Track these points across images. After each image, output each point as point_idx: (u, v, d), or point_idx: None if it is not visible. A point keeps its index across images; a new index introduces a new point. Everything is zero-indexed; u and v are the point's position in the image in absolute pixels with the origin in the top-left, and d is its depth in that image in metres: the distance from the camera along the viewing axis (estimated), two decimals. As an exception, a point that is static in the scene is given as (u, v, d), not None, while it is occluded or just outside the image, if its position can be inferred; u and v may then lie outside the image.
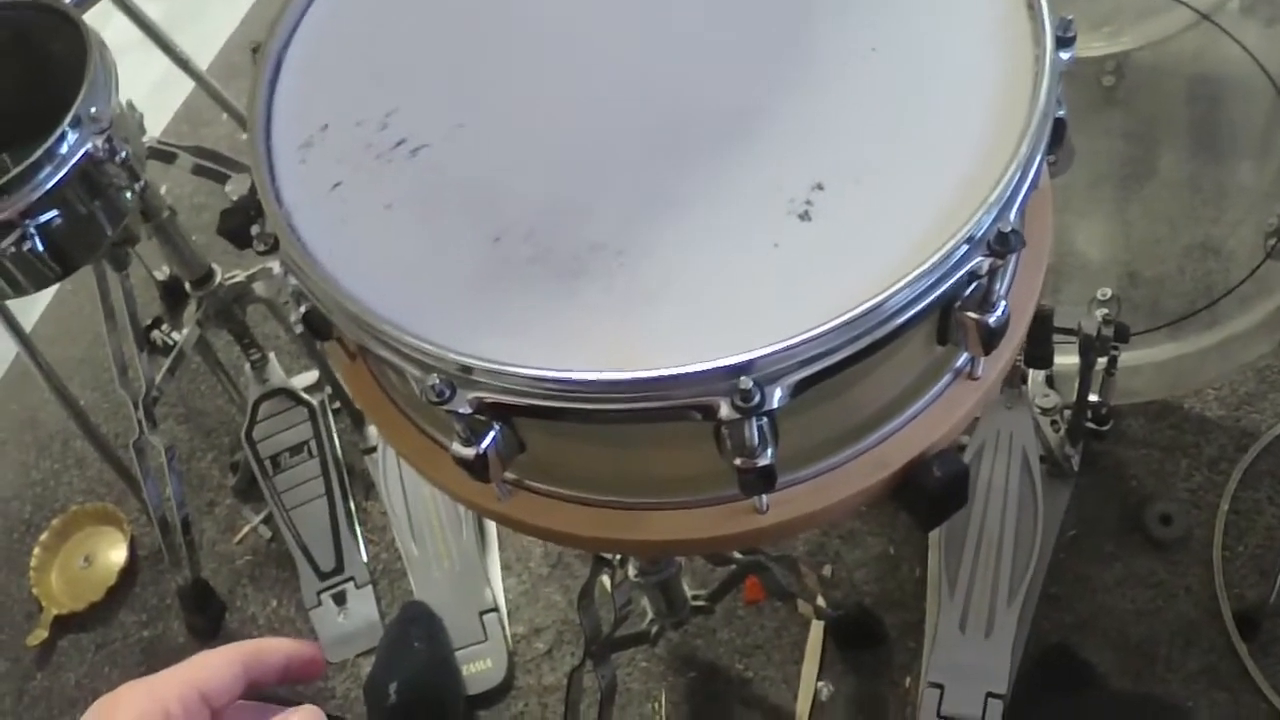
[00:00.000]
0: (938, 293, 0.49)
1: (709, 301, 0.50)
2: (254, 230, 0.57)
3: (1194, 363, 1.23)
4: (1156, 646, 1.18)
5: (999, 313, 0.52)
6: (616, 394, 0.47)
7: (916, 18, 0.59)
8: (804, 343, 0.47)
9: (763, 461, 0.50)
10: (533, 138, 0.58)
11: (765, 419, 0.48)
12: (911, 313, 0.49)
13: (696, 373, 0.46)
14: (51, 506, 1.58)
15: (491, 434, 0.51)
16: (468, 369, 0.49)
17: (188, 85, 1.76)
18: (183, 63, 1.41)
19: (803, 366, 0.48)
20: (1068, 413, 1.23)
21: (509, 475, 0.57)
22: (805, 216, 0.51)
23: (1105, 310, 1.06)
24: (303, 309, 0.57)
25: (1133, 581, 1.22)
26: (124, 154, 0.97)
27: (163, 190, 1.26)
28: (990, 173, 0.51)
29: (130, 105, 1.21)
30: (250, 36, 1.74)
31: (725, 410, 0.47)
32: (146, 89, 1.85)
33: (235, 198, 0.61)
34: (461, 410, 0.49)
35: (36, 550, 1.49)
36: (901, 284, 0.48)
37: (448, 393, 0.49)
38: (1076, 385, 1.15)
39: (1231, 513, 1.25)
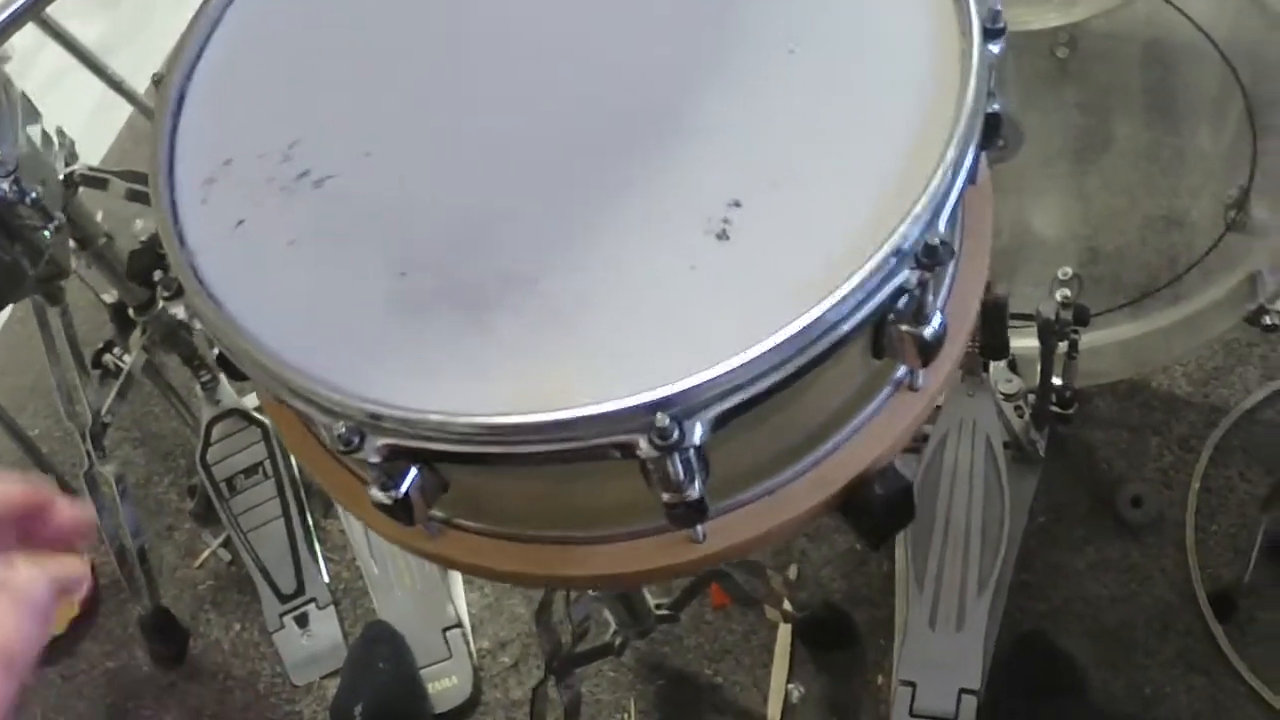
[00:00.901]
0: (863, 313, 0.47)
1: (624, 332, 0.47)
2: (156, 275, 0.55)
3: (1159, 340, 1.21)
4: (1133, 632, 1.17)
5: (934, 325, 0.50)
6: (531, 436, 0.45)
7: (836, 10, 0.57)
8: (720, 376, 0.44)
9: (691, 495, 0.48)
10: (442, 162, 0.55)
11: (690, 451, 0.46)
12: (836, 335, 0.47)
13: (610, 413, 0.44)
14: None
15: (410, 476, 0.49)
16: (376, 415, 0.46)
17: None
18: (116, 85, 1.37)
19: (723, 399, 0.46)
20: (1032, 397, 1.22)
21: (436, 513, 0.55)
22: (723, 236, 0.49)
23: (1065, 291, 1.04)
24: (215, 350, 0.55)
25: (1106, 566, 1.21)
26: (33, 195, 0.93)
27: (98, 216, 1.23)
28: (915, 179, 0.49)
29: (59, 133, 1.18)
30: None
31: (645, 448, 0.45)
32: (92, 107, 1.81)
33: (144, 238, 0.59)
34: (372, 459, 0.47)
35: (-5, 585, 1.46)
36: (824, 306, 0.46)
37: (356, 440, 0.47)
38: (1039, 370, 1.14)
39: (1203, 490, 1.24)
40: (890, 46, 0.55)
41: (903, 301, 0.48)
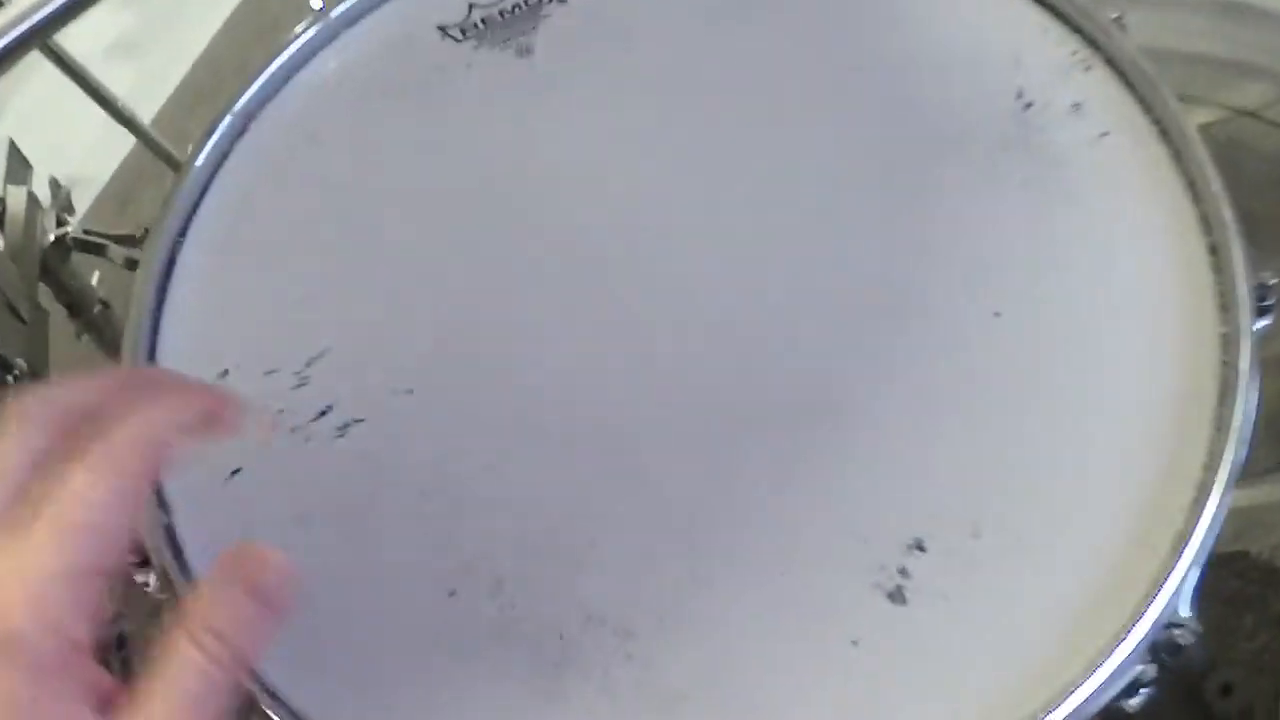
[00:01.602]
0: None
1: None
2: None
3: (1270, 514, 1.07)
4: (1216, 840, 1.03)
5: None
6: None
7: (1051, 274, 0.42)
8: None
9: None
10: (514, 417, 0.41)
11: None
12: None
13: None
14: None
15: None
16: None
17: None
18: (126, 120, 1.24)
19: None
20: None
21: None
22: (897, 596, 0.35)
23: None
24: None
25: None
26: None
27: (94, 279, 1.10)
28: (1164, 529, 0.36)
29: (53, 184, 1.05)
30: (200, 84, 1.57)
31: None
32: (98, 128, 1.68)
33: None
34: None
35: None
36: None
37: None
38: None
39: (1301, 679, 1.09)
40: (1127, 327, 0.40)
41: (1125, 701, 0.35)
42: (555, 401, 0.41)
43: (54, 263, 1.03)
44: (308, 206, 0.48)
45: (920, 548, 0.36)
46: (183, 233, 0.47)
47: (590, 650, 0.35)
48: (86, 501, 0.27)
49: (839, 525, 0.36)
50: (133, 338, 0.45)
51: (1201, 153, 0.42)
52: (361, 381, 0.42)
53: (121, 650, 1.20)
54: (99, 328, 1.09)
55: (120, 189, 1.70)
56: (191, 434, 0.30)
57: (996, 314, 0.41)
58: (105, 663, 0.96)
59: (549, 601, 0.36)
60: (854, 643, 0.34)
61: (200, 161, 0.50)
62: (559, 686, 0.35)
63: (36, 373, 0.81)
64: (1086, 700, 0.33)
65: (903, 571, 0.35)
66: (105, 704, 0.27)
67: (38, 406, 0.29)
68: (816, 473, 0.38)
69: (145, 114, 1.79)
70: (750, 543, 0.36)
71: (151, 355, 0.45)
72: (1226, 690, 1.10)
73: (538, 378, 0.42)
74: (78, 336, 1.11)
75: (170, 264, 0.47)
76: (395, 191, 0.48)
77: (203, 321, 0.45)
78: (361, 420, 0.41)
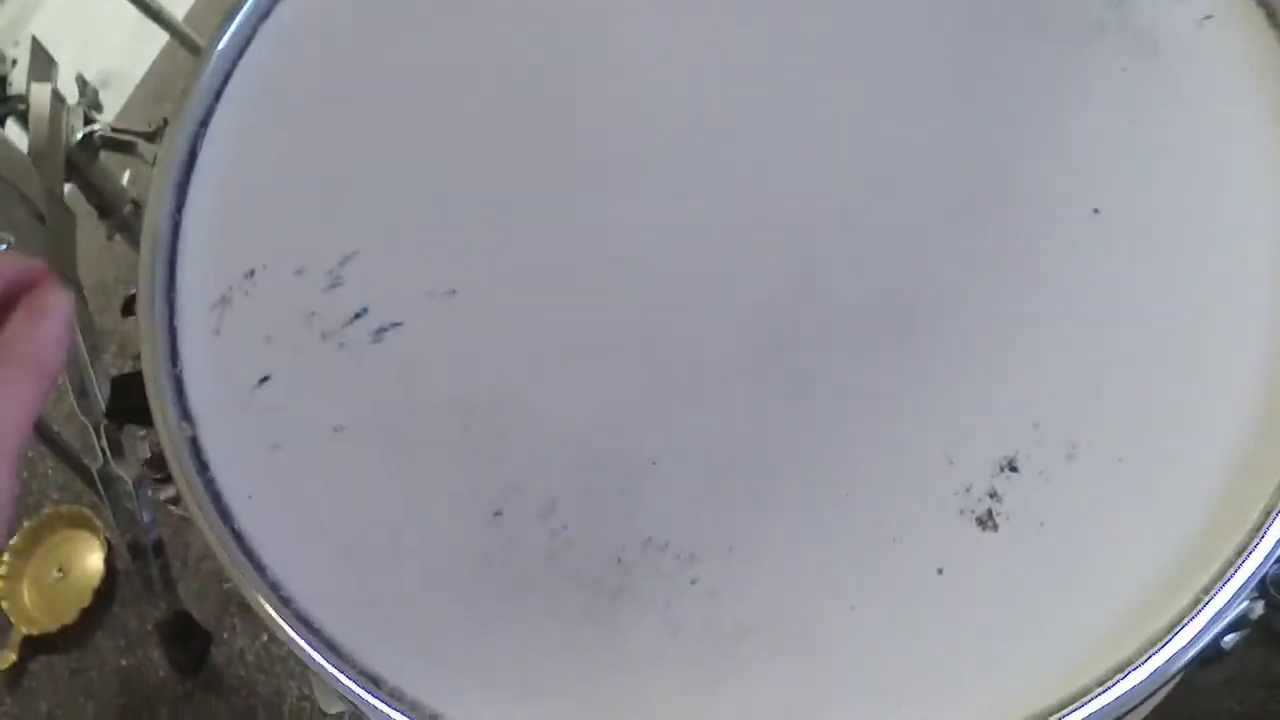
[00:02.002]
0: (1192, 653, 0.31)
1: (833, 666, 0.31)
2: (145, 436, 0.39)
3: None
4: (1271, 758, 1.01)
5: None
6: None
7: (1153, 170, 0.37)
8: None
9: None
10: (566, 323, 0.37)
11: None
12: (1136, 701, 0.30)
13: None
14: (25, 502, 1.43)
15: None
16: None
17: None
18: (154, 14, 1.19)
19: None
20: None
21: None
22: (987, 522, 0.32)
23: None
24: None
25: (1244, 680, 1.04)
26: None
27: (125, 178, 1.07)
28: (1276, 456, 0.32)
29: (80, 81, 1.02)
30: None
31: None
32: (132, 25, 1.63)
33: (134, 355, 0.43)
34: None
35: (7, 556, 1.35)
36: (1133, 675, 0.29)
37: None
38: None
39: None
40: (1242, 236, 0.36)
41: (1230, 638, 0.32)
42: (610, 305, 0.37)
43: (81, 162, 1.00)
44: (337, 92, 0.44)
45: (1012, 468, 0.32)
46: (204, 122, 0.43)
47: (651, 578, 0.32)
48: None
49: (922, 444, 0.33)
50: (151, 236, 0.42)
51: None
52: (399, 281, 0.39)
53: (160, 558, 1.21)
54: (132, 228, 1.07)
55: (154, 86, 1.66)
56: None
57: (1096, 210, 0.36)
58: (144, 567, 0.94)
59: (606, 524, 0.33)
60: (939, 571, 0.31)
61: (222, 46, 0.46)
62: (618, 617, 0.32)
63: (60, 275, 0.78)
64: (1192, 639, 0.30)
65: (993, 494, 0.32)
66: None
67: None
68: (896, 386, 0.34)
69: (178, 10, 1.74)
70: (825, 464, 0.33)
71: (172, 254, 0.41)
72: (1289, 607, 1.06)
73: (590, 279, 0.38)
74: (109, 238, 1.09)
75: (192, 157, 0.43)
76: (431, 75, 0.43)
77: (226, 217, 0.42)
78: (400, 324, 0.38)
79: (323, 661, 0.32)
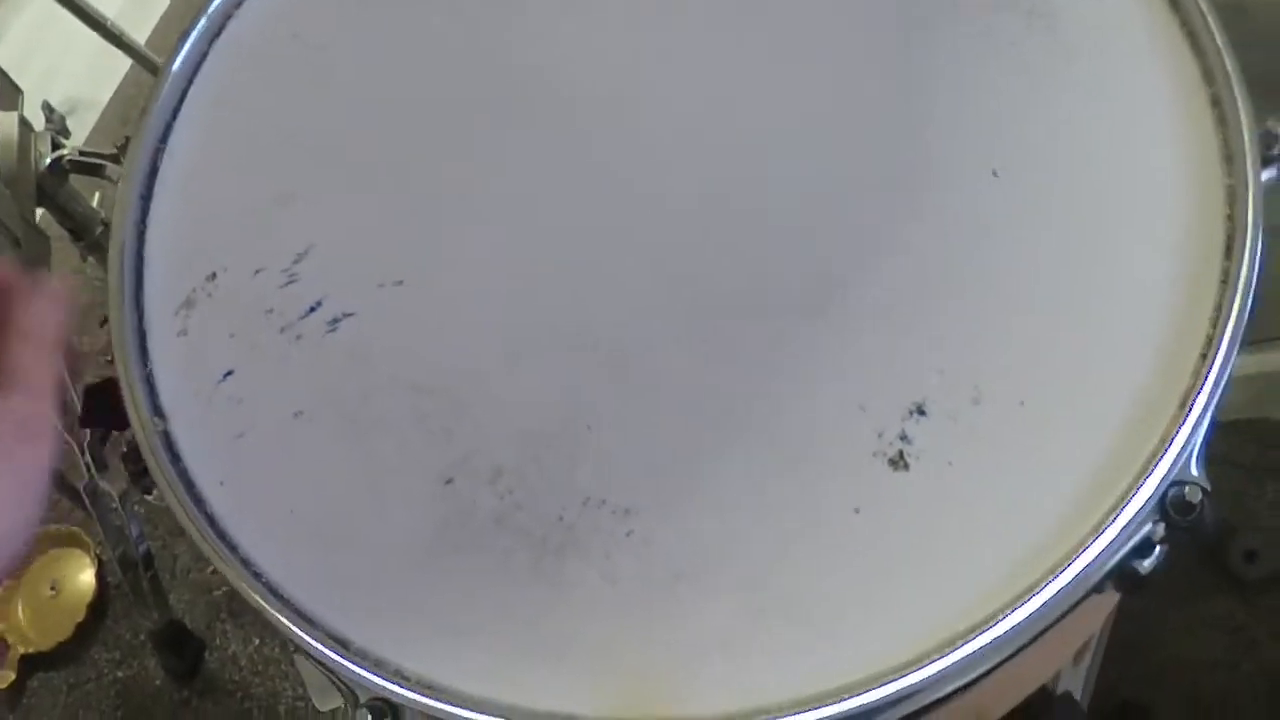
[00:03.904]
0: (1090, 584, 0.34)
1: (758, 605, 0.34)
2: (123, 436, 0.42)
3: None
4: (1235, 701, 1.04)
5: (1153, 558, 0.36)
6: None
7: (1048, 131, 0.40)
8: (895, 693, 0.31)
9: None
10: (506, 306, 0.40)
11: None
12: (1053, 616, 0.33)
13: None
14: (14, 524, 1.44)
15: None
16: (387, 703, 0.34)
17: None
18: (115, 38, 1.21)
19: (894, 706, 0.33)
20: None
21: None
22: (899, 462, 0.35)
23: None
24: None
25: (1208, 626, 1.08)
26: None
27: (95, 200, 1.09)
28: (1172, 386, 0.35)
29: (46, 108, 1.04)
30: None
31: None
32: (94, 52, 1.65)
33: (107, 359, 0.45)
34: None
35: None
36: (1042, 594, 0.32)
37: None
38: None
39: (1325, 544, 1.09)
40: (1133, 186, 0.39)
41: (1137, 561, 0.35)
42: (546, 289, 0.40)
43: (51, 186, 1.02)
44: (286, 102, 0.47)
45: (921, 411, 0.35)
46: (164, 138, 0.46)
47: (590, 531, 0.35)
48: None
49: (837, 394, 0.36)
50: (118, 246, 0.44)
51: (1202, 2, 0.40)
52: (350, 274, 0.42)
53: (150, 570, 1.23)
54: (104, 249, 1.09)
55: (120, 110, 1.68)
56: None
57: (994, 173, 0.40)
58: (134, 579, 0.96)
59: (548, 486, 0.36)
60: (855, 510, 0.34)
61: (178, 65, 0.49)
62: (560, 569, 0.35)
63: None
64: (1096, 558, 0.33)
65: (903, 437, 0.35)
66: None
67: None
68: (813, 341, 0.37)
69: (139, 35, 1.75)
70: (747, 417, 0.36)
71: (139, 263, 0.44)
72: (1250, 557, 1.10)
73: (529, 265, 0.41)
74: (83, 260, 1.11)
75: (154, 170, 0.46)
76: (374, 82, 0.46)
77: (188, 225, 0.45)
78: (352, 314, 0.41)
79: (292, 627, 0.35)
